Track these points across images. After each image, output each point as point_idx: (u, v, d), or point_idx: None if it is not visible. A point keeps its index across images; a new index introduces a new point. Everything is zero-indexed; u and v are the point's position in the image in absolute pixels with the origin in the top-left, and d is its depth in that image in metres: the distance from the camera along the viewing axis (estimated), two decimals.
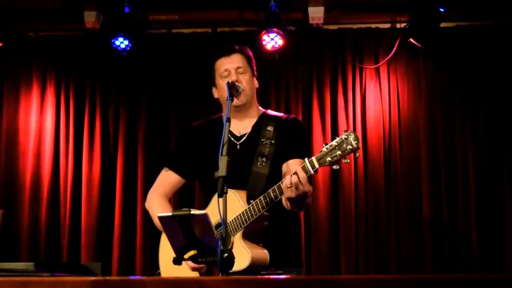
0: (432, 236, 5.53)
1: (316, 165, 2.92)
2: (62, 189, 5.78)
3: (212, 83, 3.53)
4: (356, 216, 5.61)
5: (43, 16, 5.87)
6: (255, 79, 3.54)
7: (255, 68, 3.55)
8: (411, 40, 5.55)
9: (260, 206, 3.08)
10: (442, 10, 5.35)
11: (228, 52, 3.48)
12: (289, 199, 3.04)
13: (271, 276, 3.12)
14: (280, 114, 3.56)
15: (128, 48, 5.66)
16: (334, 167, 2.92)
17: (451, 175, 5.61)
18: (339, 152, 2.86)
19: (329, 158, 2.89)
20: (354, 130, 5.67)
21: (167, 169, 3.59)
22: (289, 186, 2.96)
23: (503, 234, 5.49)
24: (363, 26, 5.87)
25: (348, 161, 2.88)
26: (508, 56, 5.66)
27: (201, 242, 2.76)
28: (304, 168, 2.95)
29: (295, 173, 2.96)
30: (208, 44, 5.85)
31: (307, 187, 2.99)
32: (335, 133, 5.70)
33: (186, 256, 2.84)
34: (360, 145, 2.88)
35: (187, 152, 3.57)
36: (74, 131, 5.85)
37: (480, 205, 5.52)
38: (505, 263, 5.42)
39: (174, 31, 6.04)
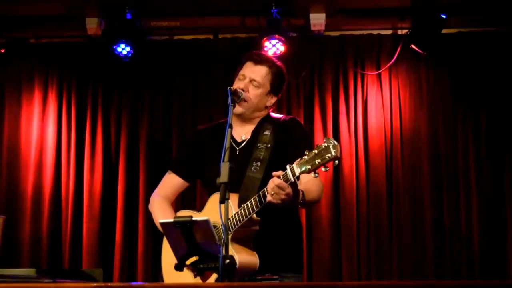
0: (434, 243, 5.52)
1: (297, 173, 2.92)
2: (64, 196, 5.78)
3: (233, 79, 3.53)
4: (357, 222, 5.60)
5: (45, 22, 5.88)
6: (272, 98, 3.48)
7: (277, 87, 3.48)
8: (413, 46, 5.56)
9: (247, 211, 3.08)
10: (443, 16, 5.36)
11: (257, 61, 3.46)
12: (274, 204, 3.03)
13: (268, 282, 3.12)
14: (279, 116, 3.55)
15: (130, 55, 5.67)
16: (313, 174, 2.91)
17: (452, 181, 5.61)
18: (318, 160, 2.85)
19: (309, 166, 2.88)
20: (356, 136, 5.69)
21: (170, 172, 3.60)
22: (272, 193, 2.97)
23: (504, 239, 5.48)
24: (364, 32, 5.87)
25: (328, 169, 2.86)
26: (510, 62, 5.66)
27: (203, 248, 2.76)
28: (285, 176, 2.96)
29: (278, 177, 2.96)
30: (209, 50, 5.86)
31: (289, 192, 2.98)
32: (336, 139, 5.62)
33: (187, 262, 2.85)
34: (339, 154, 2.83)
35: (190, 155, 3.57)
36: (75, 138, 5.85)
37: (482, 210, 5.52)
38: (507, 269, 5.41)
39: (175, 37, 6.04)
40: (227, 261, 2.61)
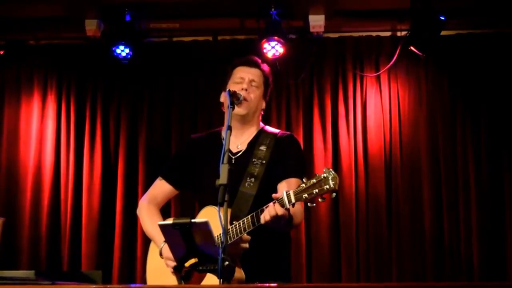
0: (433, 244, 5.52)
1: (293, 200, 2.92)
2: (63, 197, 5.78)
3: (223, 87, 3.53)
4: (357, 225, 5.59)
5: (44, 24, 5.87)
6: (264, 101, 3.56)
7: (268, 92, 3.58)
8: (412, 48, 5.55)
9: (238, 230, 3.07)
10: (442, 18, 5.36)
11: (250, 64, 3.53)
12: (268, 227, 3.04)
13: (267, 284, 3.12)
14: (276, 131, 3.55)
15: (129, 56, 5.67)
16: (309, 204, 2.90)
17: (452, 181, 5.61)
18: (316, 190, 2.84)
19: (305, 195, 2.87)
20: (355, 138, 5.69)
21: (161, 178, 3.60)
22: (267, 218, 2.97)
23: (504, 245, 5.47)
24: (363, 34, 5.87)
25: (325, 200, 2.85)
26: (509, 63, 5.67)
27: (202, 250, 2.76)
28: (281, 201, 2.95)
29: (274, 203, 2.96)
30: (209, 52, 5.86)
31: (284, 218, 2.99)
32: (336, 141, 5.70)
33: (187, 264, 2.85)
34: (337, 187, 2.82)
35: (183, 163, 3.57)
36: (75, 139, 5.85)
37: (481, 210, 5.51)
38: (506, 270, 5.41)
39: (175, 39, 6.04)
40: (226, 263, 2.61)
